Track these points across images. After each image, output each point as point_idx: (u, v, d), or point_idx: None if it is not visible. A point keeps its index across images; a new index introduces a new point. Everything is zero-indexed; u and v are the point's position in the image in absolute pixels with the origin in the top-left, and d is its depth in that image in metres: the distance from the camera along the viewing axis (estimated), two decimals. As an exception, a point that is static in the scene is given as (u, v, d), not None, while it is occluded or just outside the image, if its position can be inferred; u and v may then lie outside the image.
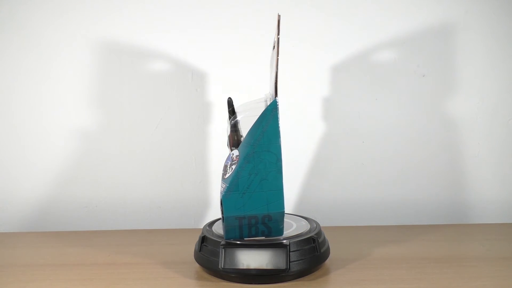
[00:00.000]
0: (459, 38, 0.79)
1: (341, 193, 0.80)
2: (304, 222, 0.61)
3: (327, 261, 0.57)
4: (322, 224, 0.60)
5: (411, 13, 0.78)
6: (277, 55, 0.52)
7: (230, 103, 0.58)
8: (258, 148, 0.52)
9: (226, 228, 0.54)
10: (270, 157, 0.52)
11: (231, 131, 0.58)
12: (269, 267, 0.51)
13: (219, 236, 0.55)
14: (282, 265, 0.51)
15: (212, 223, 0.61)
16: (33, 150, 0.78)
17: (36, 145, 0.78)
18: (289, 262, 0.52)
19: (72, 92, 0.78)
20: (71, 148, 0.78)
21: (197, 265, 0.57)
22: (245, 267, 0.51)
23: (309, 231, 0.56)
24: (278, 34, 0.52)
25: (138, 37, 0.77)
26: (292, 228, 0.58)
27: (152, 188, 0.80)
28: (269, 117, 0.52)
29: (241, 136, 0.57)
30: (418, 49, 0.79)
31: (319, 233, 0.56)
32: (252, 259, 0.52)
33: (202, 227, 0.59)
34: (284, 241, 0.53)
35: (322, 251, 0.55)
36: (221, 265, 0.52)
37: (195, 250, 0.57)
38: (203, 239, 0.56)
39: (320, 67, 0.79)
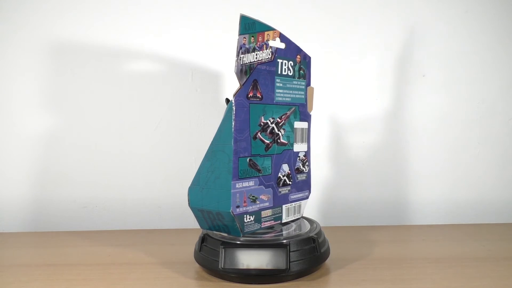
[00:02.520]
0: (459, 38, 0.79)
1: (341, 193, 0.80)
2: (304, 222, 0.61)
3: (327, 261, 0.57)
4: (322, 224, 0.60)
5: (411, 12, 0.78)
6: (237, 55, 0.52)
7: (227, 102, 0.60)
8: (215, 147, 0.54)
9: (196, 218, 0.56)
10: (223, 157, 0.53)
11: None
12: (269, 267, 0.51)
13: (219, 236, 0.55)
14: (282, 265, 0.51)
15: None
16: (32, 150, 0.78)
17: (35, 145, 0.78)
18: (289, 262, 0.51)
19: (72, 92, 0.78)
20: (71, 148, 0.78)
21: (197, 265, 0.57)
22: (245, 267, 0.51)
23: (309, 231, 0.56)
24: (239, 33, 0.52)
25: (137, 37, 0.77)
26: (292, 228, 0.58)
27: (152, 188, 0.80)
28: (226, 117, 0.53)
29: None
30: (418, 49, 0.79)
31: (319, 233, 0.56)
32: (252, 259, 0.52)
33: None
34: (284, 241, 0.53)
35: (322, 251, 0.55)
36: (221, 265, 0.52)
37: (195, 250, 0.57)
38: (203, 239, 0.56)
39: (320, 66, 0.79)
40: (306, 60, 0.60)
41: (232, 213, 0.52)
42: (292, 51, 0.58)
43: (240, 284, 0.52)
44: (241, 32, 0.52)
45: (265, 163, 0.56)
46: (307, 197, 0.62)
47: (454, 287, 0.51)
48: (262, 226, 0.56)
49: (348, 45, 0.79)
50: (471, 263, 0.58)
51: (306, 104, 0.61)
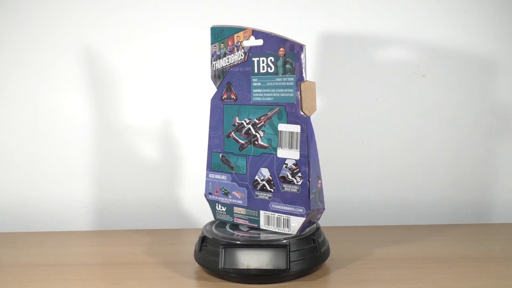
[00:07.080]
0: (459, 38, 0.79)
1: (341, 193, 0.80)
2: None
3: (327, 261, 0.57)
4: (322, 224, 0.60)
5: (411, 13, 0.78)
6: (210, 63, 0.58)
7: None
8: None
9: None
10: None
11: None
12: (269, 267, 0.51)
13: (219, 236, 0.55)
14: (282, 265, 0.51)
15: (212, 223, 0.61)
16: (31, 151, 0.78)
17: (34, 146, 0.78)
18: (289, 262, 0.52)
19: (71, 92, 0.78)
20: (70, 149, 0.78)
21: (197, 265, 0.57)
22: (245, 267, 0.51)
23: (309, 231, 0.56)
24: (211, 43, 0.58)
25: (138, 37, 0.77)
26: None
27: (152, 188, 0.80)
28: None
29: None
30: (418, 49, 0.79)
31: (319, 233, 0.56)
32: (252, 259, 0.52)
33: (202, 227, 0.60)
34: (284, 241, 0.53)
35: (322, 251, 0.55)
36: (221, 265, 0.52)
37: (195, 250, 0.57)
38: (203, 239, 0.56)
39: (321, 66, 0.79)
40: (294, 51, 0.51)
41: (205, 196, 0.61)
42: (272, 45, 0.52)
43: (240, 284, 0.52)
44: (212, 42, 0.58)
45: (239, 162, 0.58)
46: (301, 215, 0.53)
47: (454, 287, 0.51)
48: (235, 221, 0.59)
49: (346, 45, 0.79)
50: (471, 263, 0.58)
51: (298, 104, 0.52)
